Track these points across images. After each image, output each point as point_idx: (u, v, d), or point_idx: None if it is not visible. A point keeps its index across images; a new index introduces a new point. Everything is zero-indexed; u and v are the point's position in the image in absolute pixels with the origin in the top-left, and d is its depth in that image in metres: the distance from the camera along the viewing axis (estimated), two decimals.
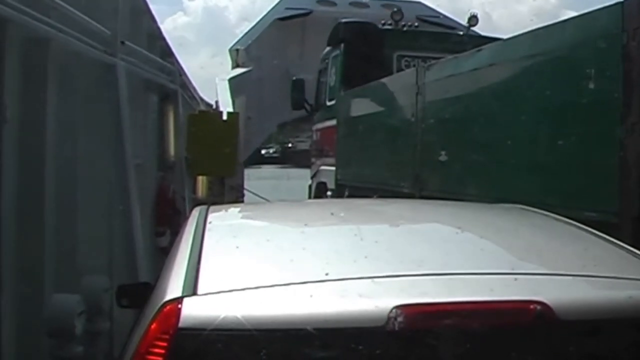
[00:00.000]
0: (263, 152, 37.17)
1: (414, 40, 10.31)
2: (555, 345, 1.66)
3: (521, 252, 2.19)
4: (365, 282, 1.77)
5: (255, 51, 14.79)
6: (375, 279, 1.79)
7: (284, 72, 14.25)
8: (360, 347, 1.61)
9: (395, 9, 10.86)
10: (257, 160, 20.94)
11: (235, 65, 14.85)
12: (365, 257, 2.02)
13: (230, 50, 15.46)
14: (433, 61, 6.88)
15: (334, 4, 15.11)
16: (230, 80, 13.37)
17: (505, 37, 6.22)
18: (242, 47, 14.90)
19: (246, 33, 16.04)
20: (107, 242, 5.43)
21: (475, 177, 5.51)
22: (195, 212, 2.70)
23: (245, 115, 13.06)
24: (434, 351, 1.65)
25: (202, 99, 13.56)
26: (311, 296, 1.71)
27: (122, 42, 5.60)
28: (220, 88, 12.86)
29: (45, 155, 4.16)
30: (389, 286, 1.75)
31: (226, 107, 12.24)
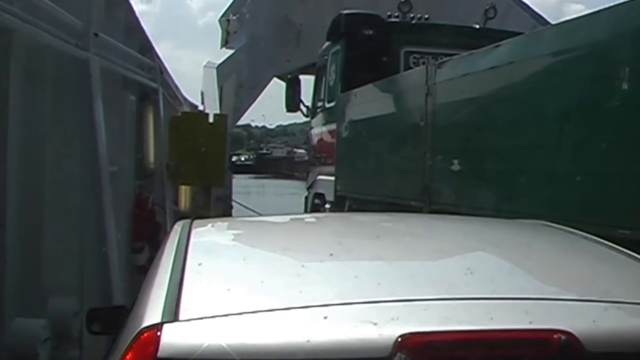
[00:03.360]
0: (234, 159, 37.05)
1: (424, 35, 10.32)
2: None
3: (544, 274, 2.19)
4: (368, 307, 1.76)
5: (251, 11, 14.91)
6: (379, 304, 1.79)
7: (283, 18, 14.40)
8: None
9: None
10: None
11: (226, 36, 14.94)
12: (369, 279, 2.01)
13: (219, 20, 15.59)
14: (445, 58, 6.89)
15: None
16: (219, 67, 13.45)
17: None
18: (234, 16, 15.02)
19: None
20: (77, 260, 5.41)
21: (492, 189, 5.51)
22: (178, 227, 2.70)
23: (236, 85, 13.15)
24: None
25: (185, 99, 13.57)
26: (306, 323, 1.70)
27: (96, 35, 5.59)
28: (208, 78, 12.88)
29: (7, 161, 4.14)
30: (395, 312, 1.74)
31: (214, 96, 12.23)
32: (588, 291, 1.99)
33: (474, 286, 2.00)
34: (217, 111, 11.77)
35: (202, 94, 13.15)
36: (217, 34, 15.71)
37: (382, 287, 1.94)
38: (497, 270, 2.26)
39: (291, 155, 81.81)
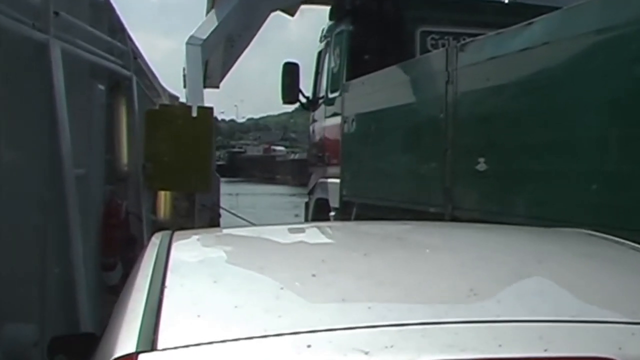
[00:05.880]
0: None
1: (444, 11, 10.31)
2: None
3: (585, 292, 2.19)
4: (378, 332, 1.77)
5: None
6: (392, 328, 1.79)
7: None
8: None
9: None
10: None
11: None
12: (380, 299, 2.02)
13: None
14: (469, 39, 6.89)
15: None
16: (204, 42, 13.47)
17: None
18: None
19: None
20: (36, 280, 5.41)
21: (525, 192, 5.51)
22: (156, 240, 2.71)
23: (225, 43, 13.22)
24: None
25: (164, 90, 13.56)
26: (304, 350, 1.70)
27: (56, 13, 5.59)
28: (191, 55, 12.86)
29: None
30: (389, 338, 1.75)
31: (199, 76, 12.26)
32: (636, 311, 1.99)
33: (479, 307, 2.02)
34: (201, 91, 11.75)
35: (184, 76, 13.10)
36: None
37: (372, 310, 1.95)
38: (508, 288, 2.26)
39: (269, 154, 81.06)
